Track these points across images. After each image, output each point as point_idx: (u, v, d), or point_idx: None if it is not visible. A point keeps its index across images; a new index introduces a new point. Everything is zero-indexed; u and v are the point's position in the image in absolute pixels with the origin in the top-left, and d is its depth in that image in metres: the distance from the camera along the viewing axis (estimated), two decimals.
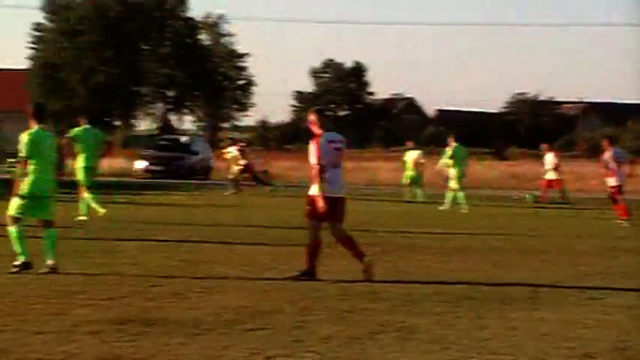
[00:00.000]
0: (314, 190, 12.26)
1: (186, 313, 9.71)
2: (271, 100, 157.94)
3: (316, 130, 12.44)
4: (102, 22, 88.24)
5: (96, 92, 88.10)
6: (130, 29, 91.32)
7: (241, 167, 36.27)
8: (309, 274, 12.31)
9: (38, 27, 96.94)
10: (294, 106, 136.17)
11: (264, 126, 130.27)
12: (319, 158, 12.16)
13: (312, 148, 12.28)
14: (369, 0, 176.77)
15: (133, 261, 13.73)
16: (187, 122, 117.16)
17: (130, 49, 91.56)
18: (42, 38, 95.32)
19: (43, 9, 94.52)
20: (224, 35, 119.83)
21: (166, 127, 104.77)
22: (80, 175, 20.82)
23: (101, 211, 20.43)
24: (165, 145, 51.92)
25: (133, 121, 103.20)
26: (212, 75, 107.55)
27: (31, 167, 12.47)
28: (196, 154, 49.60)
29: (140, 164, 48.61)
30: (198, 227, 19.71)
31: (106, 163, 54.45)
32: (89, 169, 20.98)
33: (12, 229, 12.43)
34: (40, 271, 12.30)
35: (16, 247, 12.40)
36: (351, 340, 8.69)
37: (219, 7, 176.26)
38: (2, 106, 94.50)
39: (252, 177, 38.32)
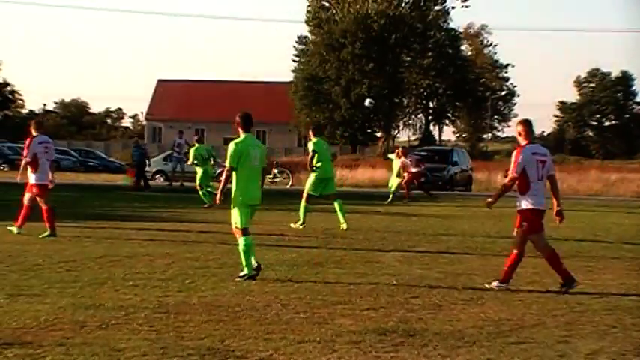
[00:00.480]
0: (522, 204, 12.24)
1: (446, 324, 9.63)
2: (533, 111, 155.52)
3: (521, 140, 12.42)
4: (364, 34, 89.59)
5: (357, 104, 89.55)
6: (392, 41, 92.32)
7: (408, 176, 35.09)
8: (568, 283, 12.14)
9: (302, 40, 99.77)
10: (557, 116, 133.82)
11: None
12: (515, 169, 12.14)
13: (513, 157, 12.28)
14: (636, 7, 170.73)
15: (392, 271, 13.77)
16: (448, 133, 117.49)
17: (392, 61, 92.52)
18: (305, 51, 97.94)
19: (307, 22, 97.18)
20: (486, 46, 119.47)
21: (427, 138, 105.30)
22: (311, 185, 21.13)
23: (299, 225, 20.70)
24: (426, 156, 51.94)
25: (394, 132, 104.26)
26: (474, 86, 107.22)
27: (239, 177, 12.60)
28: (456, 165, 49.36)
29: None
30: (459, 238, 19.57)
31: (368, 175, 55.46)
32: (324, 181, 21.27)
33: (240, 240, 12.62)
34: (237, 278, 12.55)
35: (243, 260, 12.61)
36: (617, 357, 8.42)
37: (481, 18, 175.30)
38: (267, 119, 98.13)
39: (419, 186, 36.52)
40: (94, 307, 10.04)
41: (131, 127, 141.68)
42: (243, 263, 12.61)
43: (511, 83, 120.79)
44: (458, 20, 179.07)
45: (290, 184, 45.84)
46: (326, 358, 8.05)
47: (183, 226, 20.87)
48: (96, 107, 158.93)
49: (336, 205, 21.12)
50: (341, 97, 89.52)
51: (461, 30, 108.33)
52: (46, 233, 17.52)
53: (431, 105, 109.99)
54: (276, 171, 49.19)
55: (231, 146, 12.69)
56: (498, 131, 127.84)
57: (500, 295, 11.67)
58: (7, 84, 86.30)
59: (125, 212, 25.25)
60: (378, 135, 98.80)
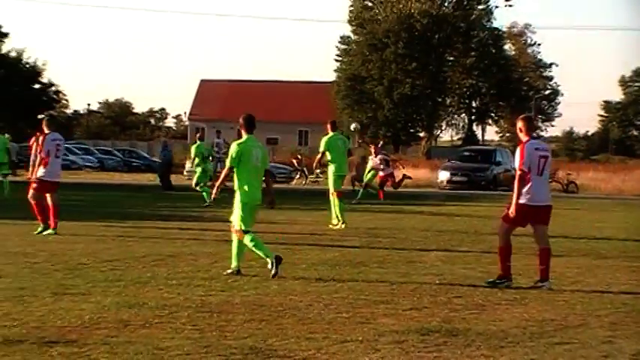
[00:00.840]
0: (515, 196, 12.29)
1: (489, 324, 9.58)
2: (578, 110, 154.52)
3: (522, 136, 12.49)
4: (407, 34, 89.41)
5: (400, 103, 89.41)
6: (435, 41, 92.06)
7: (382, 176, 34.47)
8: (505, 279, 12.33)
9: (345, 40, 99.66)
10: (601, 116, 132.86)
11: (570, 137, 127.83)
12: (522, 164, 12.19)
13: (517, 153, 12.35)
14: None
15: (435, 271, 13.73)
16: (491, 133, 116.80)
17: (435, 61, 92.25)
18: (348, 51, 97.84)
19: (349, 22, 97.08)
20: (530, 45, 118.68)
21: (470, 138, 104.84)
22: (333, 183, 21.12)
23: (341, 225, 20.65)
24: (468, 155, 51.78)
25: (436, 131, 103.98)
26: (517, 85, 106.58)
27: (240, 177, 12.82)
28: (499, 164, 49.13)
29: (443, 175, 48.71)
30: None
31: (411, 174, 55.28)
32: (342, 177, 21.36)
33: (246, 239, 12.78)
34: (225, 273, 12.73)
35: (260, 253, 12.78)
36: None
37: (524, 17, 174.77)
38: (310, 119, 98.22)
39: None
40: (138, 306, 10.09)
41: (174, 127, 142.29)
42: (262, 255, 12.75)
43: (555, 82, 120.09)
44: (501, 19, 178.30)
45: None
46: (368, 357, 8.04)
47: (226, 226, 20.79)
48: (139, 107, 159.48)
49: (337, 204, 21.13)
50: (384, 97, 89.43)
51: (504, 29, 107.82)
52: (41, 228, 17.81)
53: (474, 104, 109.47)
54: (318, 170, 49.22)
55: (232, 146, 13.01)
56: (542, 131, 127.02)
57: (544, 296, 11.60)
58: (51, 84, 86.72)
59: (168, 212, 25.38)
60: (421, 135, 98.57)
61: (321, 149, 21.27)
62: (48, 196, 18.09)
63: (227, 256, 13.44)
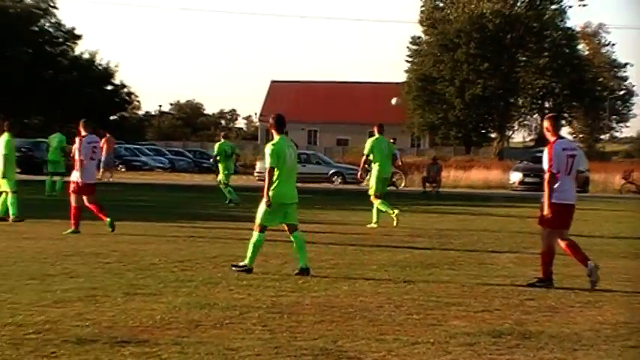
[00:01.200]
0: (546, 197, 12.22)
1: (563, 327, 9.45)
2: None
3: (550, 136, 12.40)
4: (479, 34, 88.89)
5: (472, 104, 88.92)
6: (507, 41, 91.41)
7: None
8: (546, 282, 12.20)
9: (416, 41, 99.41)
10: None
11: None
12: (551, 165, 12.11)
13: (546, 154, 12.26)
14: None
15: (507, 273, 13.60)
16: (564, 134, 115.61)
17: (507, 61, 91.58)
18: (419, 52, 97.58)
19: (420, 23, 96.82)
20: (604, 45, 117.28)
21: (542, 139, 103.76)
22: (374, 184, 21.17)
23: (394, 217, 20.77)
24: (541, 157, 51.19)
25: (508, 132, 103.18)
26: (591, 86, 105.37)
27: (275, 176, 12.85)
28: None
29: (515, 176, 48.28)
30: (576, 240, 19.18)
31: (482, 176, 54.90)
32: (385, 180, 21.56)
33: (255, 234, 12.98)
34: (294, 272, 12.79)
35: (248, 252, 12.92)
36: None
37: (599, 17, 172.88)
38: (379, 119, 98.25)
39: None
40: (209, 306, 10.12)
41: (245, 128, 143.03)
42: (248, 255, 12.91)
43: (629, 82, 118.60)
44: (575, 19, 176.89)
45: (403, 184, 45.62)
46: None
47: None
48: (210, 108, 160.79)
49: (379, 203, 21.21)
50: (455, 98, 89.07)
51: (578, 29, 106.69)
52: (69, 230, 17.84)
53: (547, 105, 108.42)
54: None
55: (268, 148, 13.00)
56: (616, 131, 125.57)
57: (618, 298, 11.42)
58: (123, 86, 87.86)
59: (237, 212, 25.43)
60: (493, 135, 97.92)
61: (365, 152, 21.58)
62: (84, 198, 18.15)
63: (297, 257, 13.45)
